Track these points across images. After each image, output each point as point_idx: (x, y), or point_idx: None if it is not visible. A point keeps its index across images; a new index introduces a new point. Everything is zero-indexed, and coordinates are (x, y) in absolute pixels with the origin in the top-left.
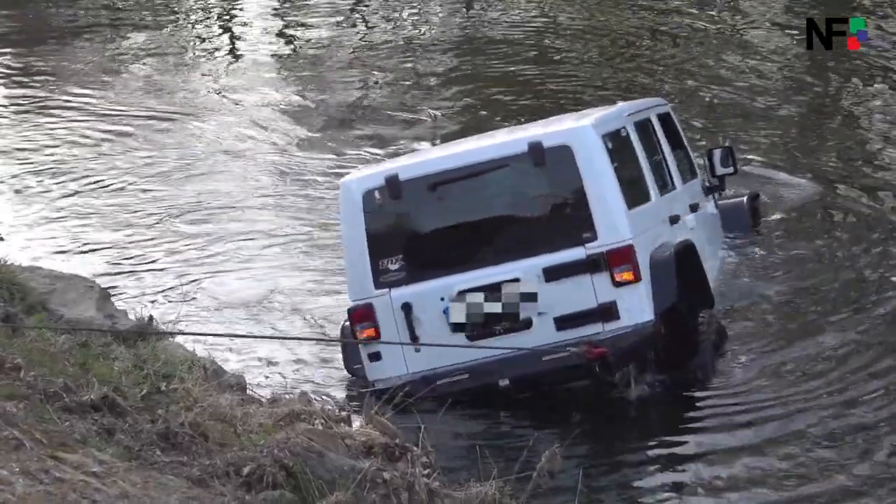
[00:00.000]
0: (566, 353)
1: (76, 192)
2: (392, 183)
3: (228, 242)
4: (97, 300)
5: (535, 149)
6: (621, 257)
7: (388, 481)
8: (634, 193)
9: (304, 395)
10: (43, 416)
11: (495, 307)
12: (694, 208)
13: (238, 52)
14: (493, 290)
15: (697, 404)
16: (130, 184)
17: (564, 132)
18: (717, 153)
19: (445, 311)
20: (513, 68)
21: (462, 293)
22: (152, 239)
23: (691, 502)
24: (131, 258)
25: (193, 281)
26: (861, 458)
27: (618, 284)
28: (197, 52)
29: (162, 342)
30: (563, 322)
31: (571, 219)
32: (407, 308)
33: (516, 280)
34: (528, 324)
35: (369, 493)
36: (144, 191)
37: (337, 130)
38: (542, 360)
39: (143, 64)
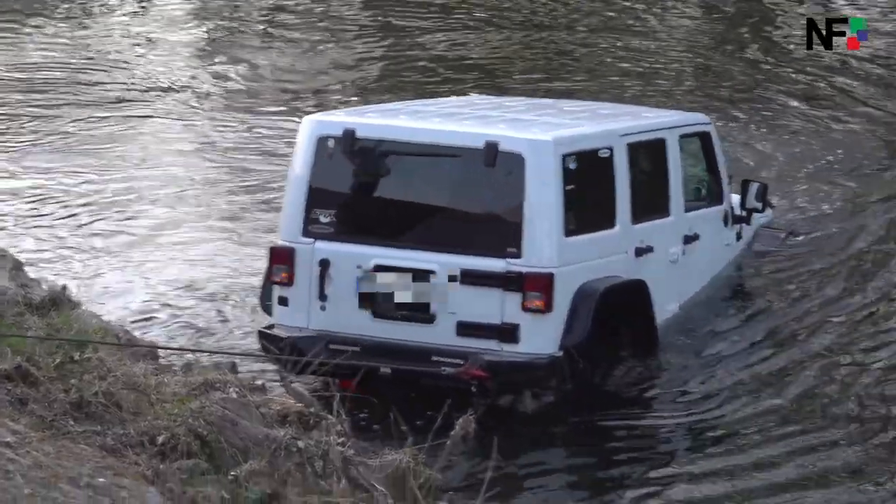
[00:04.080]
0: (446, 367)
1: None
2: (348, 136)
3: (144, 210)
4: (10, 270)
5: (490, 149)
6: (537, 284)
7: (303, 449)
8: (589, 219)
9: (219, 364)
10: None
11: (406, 295)
12: (690, 239)
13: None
14: (407, 276)
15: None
16: (44, 148)
17: (523, 140)
18: (753, 187)
19: (358, 281)
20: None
21: (378, 268)
22: (61, 204)
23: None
24: (44, 227)
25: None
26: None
27: (526, 309)
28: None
29: (75, 311)
30: (464, 328)
31: (503, 229)
32: (324, 264)
33: (432, 272)
34: (431, 319)
35: (284, 462)
36: (53, 157)
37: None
38: (431, 360)
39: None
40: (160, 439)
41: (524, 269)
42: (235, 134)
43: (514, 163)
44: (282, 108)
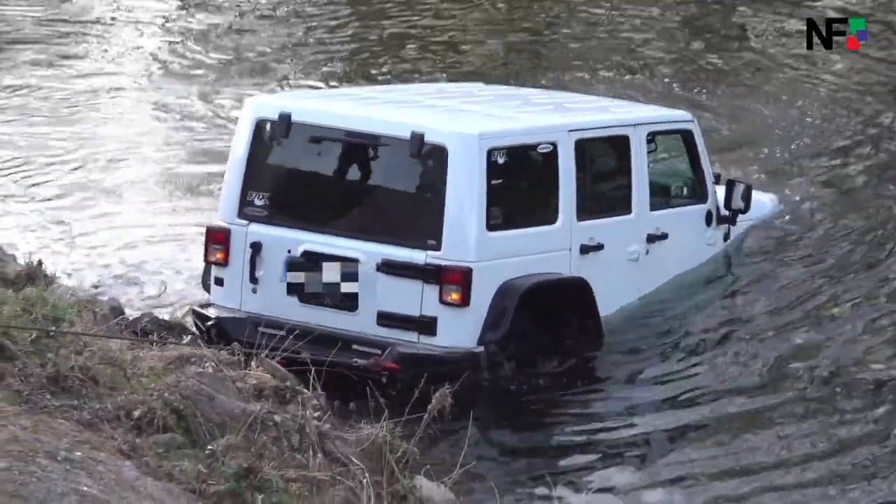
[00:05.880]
0: (360, 358)
1: None
2: (283, 120)
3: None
4: None
5: (415, 139)
6: (455, 277)
7: (280, 424)
8: (521, 214)
9: (195, 338)
10: None
11: (334, 280)
12: (655, 238)
13: None
14: (335, 263)
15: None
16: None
17: (447, 133)
18: (739, 187)
19: (285, 268)
20: None
21: (306, 255)
22: (32, 176)
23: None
24: (16, 200)
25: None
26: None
27: (444, 303)
28: None
29: (51, 286)
30: (384, 318)
31: (425, 220)
32: (256, 247)
33: (356, 260)
34: (354, 307)
35: (260, 436)
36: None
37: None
38: (352, 349)
39: None
40: (136, 413)
41: (442, 262)
42: (205, 104)
43: (439, 155)
44: (255, 80)
